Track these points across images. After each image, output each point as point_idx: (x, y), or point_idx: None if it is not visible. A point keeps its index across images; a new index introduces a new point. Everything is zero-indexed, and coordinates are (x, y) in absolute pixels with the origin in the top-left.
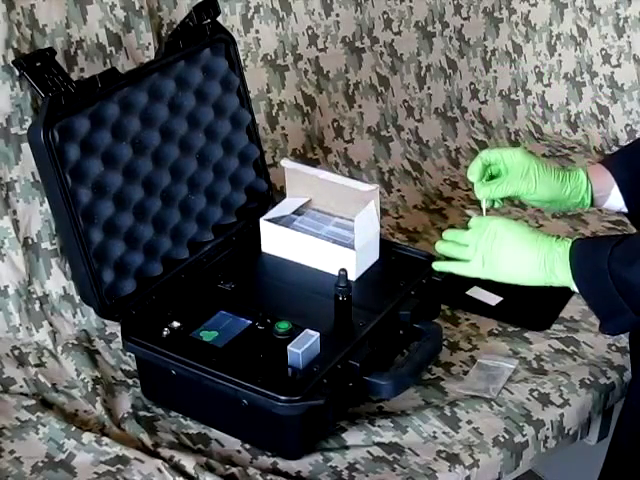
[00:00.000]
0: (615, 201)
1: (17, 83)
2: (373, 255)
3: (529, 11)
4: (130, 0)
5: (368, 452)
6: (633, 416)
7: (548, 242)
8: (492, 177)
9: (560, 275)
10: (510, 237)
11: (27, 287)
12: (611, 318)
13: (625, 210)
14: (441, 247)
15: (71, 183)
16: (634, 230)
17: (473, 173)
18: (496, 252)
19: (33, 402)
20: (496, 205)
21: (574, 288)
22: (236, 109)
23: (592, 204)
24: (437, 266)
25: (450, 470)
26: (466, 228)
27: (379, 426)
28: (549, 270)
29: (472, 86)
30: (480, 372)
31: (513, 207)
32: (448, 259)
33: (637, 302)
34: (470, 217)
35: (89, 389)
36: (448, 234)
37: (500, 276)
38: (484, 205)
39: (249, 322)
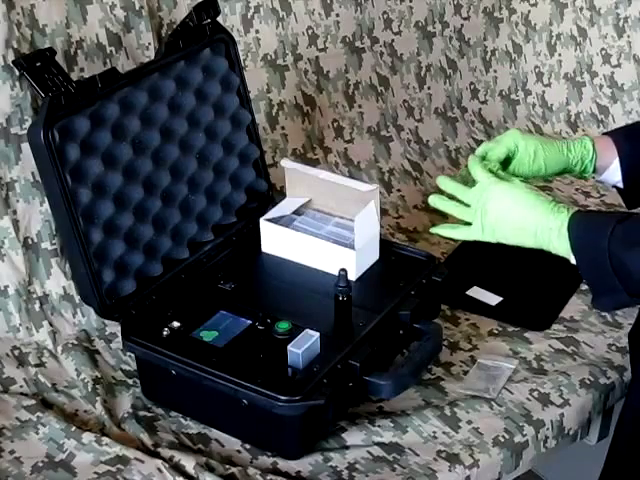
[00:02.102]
0: (613, 174)
1: (17, 83)
2: (373, 255)
3: (529, 11)
4: (130, 0)
5: (368, 452)
6: (634, 416)
7: (548, 208)
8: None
9: (557, 245)
10: (510, 201)
11: (27, 287)
12: (604, 294)
13: (620, 185)
14: (438, 203)
15: (71, 183)
16: None
17: (475, 168)
18: (494, 215)
19: (33, 402)
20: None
21: (571, 259)
22: (236, 109)
23: (592, 174)
24: (437, 230)
25: (450, 470)
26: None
27: (379, 426)
28: (547, 239)
29: (472, 86)
30: (480, 372)
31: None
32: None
33: (631, 285)
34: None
35: (89, 389)
36: (448, 185)
37: (497, 237)
38: None
39: (249, 322)
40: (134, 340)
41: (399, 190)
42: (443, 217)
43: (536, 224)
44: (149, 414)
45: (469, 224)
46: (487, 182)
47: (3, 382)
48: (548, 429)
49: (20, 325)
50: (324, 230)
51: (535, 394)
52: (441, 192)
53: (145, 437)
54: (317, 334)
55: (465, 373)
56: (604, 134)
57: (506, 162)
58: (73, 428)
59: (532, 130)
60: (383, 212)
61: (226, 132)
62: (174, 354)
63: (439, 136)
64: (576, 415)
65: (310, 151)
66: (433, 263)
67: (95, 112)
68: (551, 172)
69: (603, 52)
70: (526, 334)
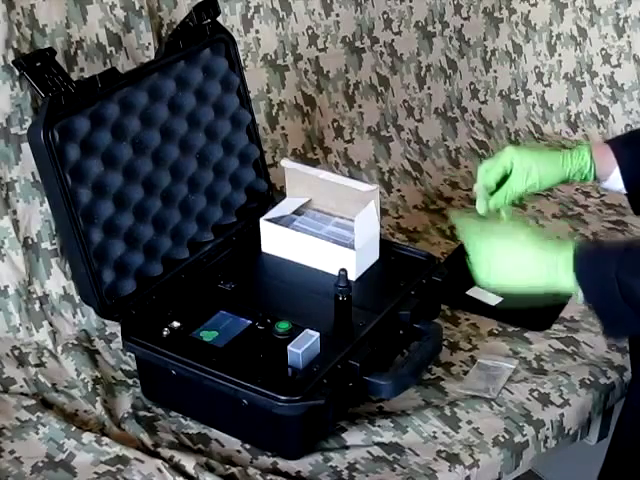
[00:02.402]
0: (615, 182)
1: (17, 83)
2: (373, 255)
3: (529, 11)
4: (130, 0)
5: (368, 452)
6: (634, 416)
7: (552, 248)
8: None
9: (566, 282)
10: (512, 247)
11: (27, 287)
12: (616, 324)
13: (624, 192)
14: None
15: (71, 183)
16: (634, 230)
17: (484, 201)
18: (499, 265)
19: (33, 402)
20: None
21: (578, 294)
22: (236, 109)
23: (594, 180)
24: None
25: (450, 470)
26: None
27: (379, 426)
28: (555, 278)
29: (472, 86)
30: (480, 372)
31: (513, 207)
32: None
33: None
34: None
35: (89, 389)
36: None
37: (505, 286)
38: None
39: (249, 322)
40: (134, 340)
41: (399, 190)
42: (443, 217)
43: (542, 266)
44: (149, 414)
45: None
46: (484, 231)
47: (3, 382)
48: (548, 429)
49: (20, 325)
50: (324, 230)
51: (535, 394)
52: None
53: (145, 437)
54: (317, 334)
55: (465, 373)
56: (605, 142)
57: (504, 178)
58: (73, 428)
59: (532, 130)
60: (383, 212)
61: (226, 132)
62: (174, 354)
63: (439, 136)
64: (576, 415)
65: (310, 151)
66: (433, 263)
67: (95, 112)
68: (548, 185)
69: (603, 52)
70: (526, 334)
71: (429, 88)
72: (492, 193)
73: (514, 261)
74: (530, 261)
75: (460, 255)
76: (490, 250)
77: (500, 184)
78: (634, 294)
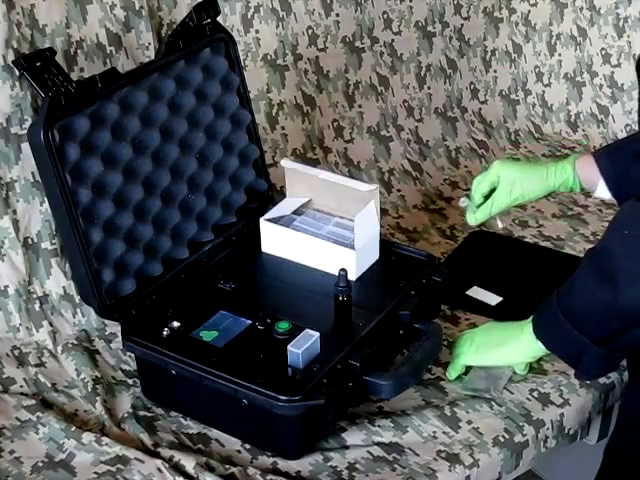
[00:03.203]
0: (603, 192)
1: (17, 83)
2: (373, 255)
3: (529, 11)
4: (130, 0)
5: (368, 452)
6: (629, 418)
7: (515, 325)
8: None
9: (539, 347)
10: (481, 337)
11: (27, 287)
12: (580, 359)
13: (614, 201)
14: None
15: (71, 183)
16: None
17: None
18: (481, 351)
19: (33, 402)
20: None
21: (544, 349)
22: (236, 109)
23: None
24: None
25: (450, 470)
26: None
27: (379, 426)
28: (531, 346)
29: (472, 86)
30: (481, 372)
31: (512, 207)
32: None
33: (589, 328)
34: None
35: (89, 389)
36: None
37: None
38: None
39: (249, 322)
40: (134, 340)
41: (399, 190)
42: (443, 217)
43: (513, 343)
44: (149, 414)
45: None
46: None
47: (3, 382)
48: (548, 429)
49: (20, 325)
50: (324, 230)
51: (535, 394)
52: None
53: (145, 437)
54: (317, 334)
55: (465, 373)
56: (590, 153)
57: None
58: (73, 428)
59: (532, 130)
60: (383, 212)
61: (226, 132)
62: (174, 354)
63: (439, 136)
64: (576, 415)
65: (310, 151)
66: (433, 263)
67: (95, 112)
68: (533, 199)
69: (603, 52)
70: None
71: (429, 88)
72: (480, 205)
73: (491, 341)
74: (502, 338)
75: (460, 255)
76: (472, 340)
77: (488, 196)
78: (574, 313)
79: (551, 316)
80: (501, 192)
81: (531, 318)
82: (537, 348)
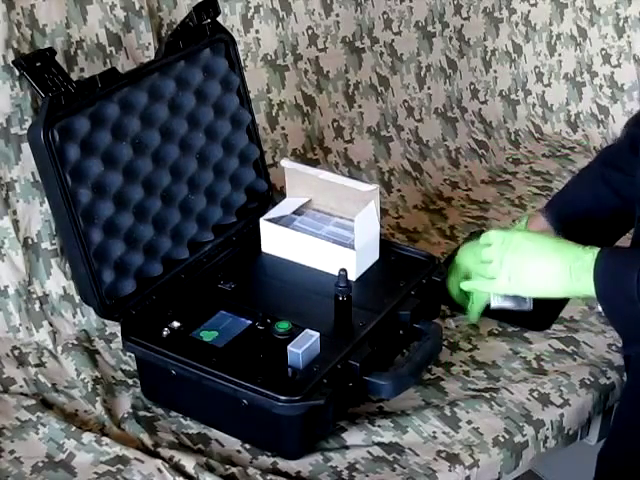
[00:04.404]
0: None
1: (17, 83)
2: (373, 255)
3: (529, 11)
4: (130, 0)
5: (368, 452)
6: (624, 425)
7: (573, 251)
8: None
9: (587, 286)
10: (533, 247)
11: (27, 287)
12: (635, 342)
13: None
14: (473, 267)
15: (71, 183)
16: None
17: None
18: (520, 264)
19: (33, 402)
20: None
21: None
22: (236, 109)
23: None
24: (465, 285)
25: (450, 470)
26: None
27: (379, 426)
28: (575, 280)
29: (472, 86)
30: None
31: (513, 207)
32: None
33: None
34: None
35: (89, 389)
36: (467, 246)
37: (527, 290)
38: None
39: (249, 322)
40: (134, 340)
41: (399, 190)
42: (443, 217)
43: (564, 268)
44: (149, 414)
45: None
46: (508, 234)
47: (3, 382)
48: (548, 429)
49: (20, 325)
50: (324, 230)
51: (535, 394)
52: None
53: (145, 437)
54: (317, 334)
55: (465, 373)
56: (545, 206)
57: None
58: (73, 428)
59: (532, 130)
60: (383, 212)
61: (226, 132)
62: (174, 354)
63: (439, 136)
64: (576, 415)
65: (310, 151)
66: (433, 263)
67: (95, 112)
68: None
69: (603, 52)
70: (526, 334)
71: (429, 88)
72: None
73: (535, 264)
74: (552, 265)
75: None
76: (512, 253)
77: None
78: None
79: (625, 299)
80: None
81: (592, 260)
82: (593, 293)
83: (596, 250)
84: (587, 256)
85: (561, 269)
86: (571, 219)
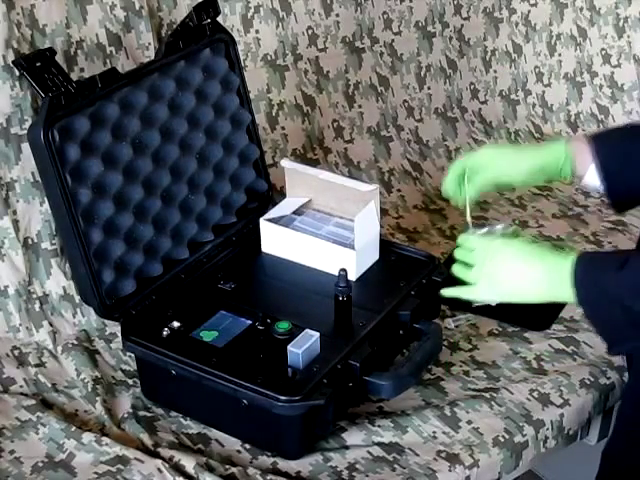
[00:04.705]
0: (592, 178)
1: (17, 83)
2: (373, 255)
3: (529, 11)
4: (130, 0)
5: (368, 452)
6: (626, 424)
7: (552, 257)
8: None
9: (567, 292)
10: (511, 254)
11: (27, 287)
12: (620, 344)
13: (601, 191)
14: (453, 269)
15: (71, 183)
16: (634, 230)
17: (449, 185)
18: (501, 272)
19: (33, 402)
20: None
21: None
22: (236, 109)
23: (573, 175)
24: (445, 292)
25: (450, 470)
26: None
27: (379, 426)
28: (555, 286)
29: (472, 86)
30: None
31: (513, 207)
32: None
33: None
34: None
35: (89, 389)
36: (457, 253)
37: (506, 296)
38: (468, 209)
39: (249, 322)
40: (134, 340)
41: (399, 190)
42: (443, 217)
43: (544, 274)
44: (149, 414)
45: None
46: (487, 241)
47: (3, 382)
48: (548, 429)
49: (20, 325)
50: (324, 230)
51: (535, 394)
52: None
53: (145, 437)
54: (317, 334)
55: (465, 373)
56: (585, 136)
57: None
58: (73, 428)
59: (532, 130)
60: (383, 212)
61: (226, 132)
62: (174, 354)
63: (439, 136)
64: (576, 415)
65: (310, 151)
66: (433, 263)
67: (95, 112)
68: (526, 172)
69: (603, 52)
70: (526, 334)
71: (429, 88)
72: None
73: (516, 271)
74: (532, 271)
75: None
76: (492, 260)
77: None
78: (638, 316)
79: (606, 301)
80: (474, 173)
81: (570, 265)
82: (572, 298)
83: (574, 256)
84: (566, 262)
85: (540, 276)
86: (614, 144)
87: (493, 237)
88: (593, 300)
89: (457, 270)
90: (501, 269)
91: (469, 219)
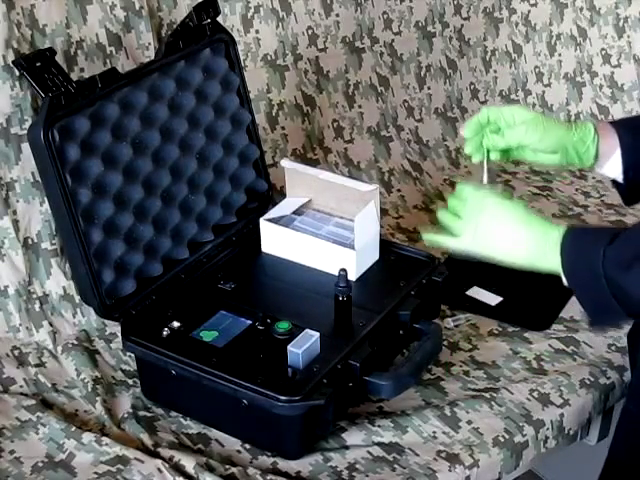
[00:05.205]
0: (613, 166)
1: (17, 83)
2: (373, 255)
3: (529, 11)
4: (130, 0)
5: (368, 452)
6: (631, 420)
7: (542, 225)
8: None
9: (551, 261)
10: (503, 214)
11: (27, 287)
12: (602, 317)
13: (620, 180)
14: (440, 215)
15: (71, 183)
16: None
17: (468, 128)
18: (487, 227)
19: (33, 402)
20: (492, 157)
21: (563, 278)
22: (236, 109)
23: (594, 162)
24: (427, 237)
25: (450, 470)
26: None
27: (379, 426)
28: (541, 254)
29: (472, 86)
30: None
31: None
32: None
33: (631, 307)
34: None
35: (89, 389)
36: (450, 201)
37: (486, 251)
38: (485, 165)
39: (249, 322)
40: (134, 340)
41: (399, 190)
42: None
43: (529, 238)
44: (149, 414)
45: None
46: (481, 195)
47: (3, 382)
48: (548, 429)
49: (20, 325)
50: (324, 230)
51: (535, 394)
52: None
53: (145, 437)
54: (317, 334)
55: (465, 373)
56: (609, 122)
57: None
58: (73, 428)
59: None
60: (383, 212)
61: (226, 132)
62: (174, 354)
63: (439, 136)
64: (576, 415)
65: (310, 151)
66: (433, 263)
67: (95, 112)
68: (547, 144)
69: (603, 52)
70: (526, 334)
71: (429, 88)
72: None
73: (503, 230)
74: (518, 234)
75: (460, 255)
76: (481, 214)
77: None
78: (621, 290)
79: (590, 273)
80: (517, 129)
81: (560, 236)
82: (553, 269)
83: (563, 228)
84: (555, 232)
85: (525, 239)
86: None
87: (489, 192)
88: (579, 270)
89: (445, 217)
90: (488, 225)
91: (485, 179)
